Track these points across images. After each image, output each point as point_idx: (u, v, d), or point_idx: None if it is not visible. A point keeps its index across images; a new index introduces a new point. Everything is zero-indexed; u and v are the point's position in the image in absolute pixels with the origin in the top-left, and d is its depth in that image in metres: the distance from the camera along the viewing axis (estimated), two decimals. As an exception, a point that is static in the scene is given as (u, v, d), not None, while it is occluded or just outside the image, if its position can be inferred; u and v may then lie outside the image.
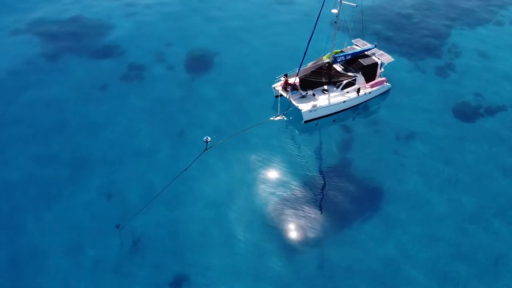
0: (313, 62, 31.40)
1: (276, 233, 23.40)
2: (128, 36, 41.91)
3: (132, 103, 32.84)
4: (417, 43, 39.98)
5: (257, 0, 49.60)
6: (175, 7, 47.10)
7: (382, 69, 32.87)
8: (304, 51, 27.03)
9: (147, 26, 43.97)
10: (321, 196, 25.53)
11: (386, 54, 32.89)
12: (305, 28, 37.80)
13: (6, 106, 32.33)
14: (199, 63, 37.84)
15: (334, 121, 30.22)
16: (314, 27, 26.94)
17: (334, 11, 27.54)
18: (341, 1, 27.10)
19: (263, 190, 25.56)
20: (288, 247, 22.87)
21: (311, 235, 23.43)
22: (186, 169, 24.12)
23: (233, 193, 25.42)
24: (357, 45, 33.60)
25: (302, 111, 28.25)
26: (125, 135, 29.74)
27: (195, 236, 23.28)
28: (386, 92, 33.54)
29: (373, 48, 32.43)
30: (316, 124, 29.66)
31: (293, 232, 23.54)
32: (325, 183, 26.39)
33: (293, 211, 24.43)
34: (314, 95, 29.67)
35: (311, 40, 26.90)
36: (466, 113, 31.77)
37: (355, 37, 35.66)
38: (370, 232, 23.63)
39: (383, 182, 26.34)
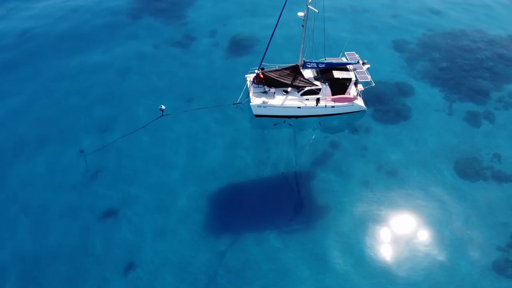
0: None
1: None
2: (201, 12, 47.01)
3: (167, 63, 38.54)
4: (467, 82, 35.28)
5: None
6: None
7: (362, 87, 31.06)
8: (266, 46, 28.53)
9: (222, 6, 48.26)
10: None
11: (366, 73, 30.91)
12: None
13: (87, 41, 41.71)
14: (241, 46, 40.67)
15: (290, 125, 30.55)
16: (276, 25, 27.80)
17: (300, 14, 27.25)
18: (307, 6, 26.81)
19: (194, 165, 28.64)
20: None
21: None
22: (143, 127, 28.34)
23: (179, 154, 29.03)
24: (346, 58, 32.15)
25: (250, 103, 29.09)
26: (143, 91, 35.18)
27: (142, 180, 27.67)
28: (361, 112, 31.80)
29: (356, 63, 30.82)
30: (279, 123, 30.49)
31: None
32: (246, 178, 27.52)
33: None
34: (274, 93, 29.96)
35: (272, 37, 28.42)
36: (467, 171, 28.01)
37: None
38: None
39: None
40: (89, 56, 39.43)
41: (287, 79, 29.45)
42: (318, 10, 26.44)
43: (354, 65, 31.17)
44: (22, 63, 38.62)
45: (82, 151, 28.50)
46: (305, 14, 26.92)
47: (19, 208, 26.22)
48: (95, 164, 28.53)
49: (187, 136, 30.29)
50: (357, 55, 32.21)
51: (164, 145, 29.55)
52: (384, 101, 33.62)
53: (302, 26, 27.62)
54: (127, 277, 23.03)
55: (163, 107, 27.22)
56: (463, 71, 36.46)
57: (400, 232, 24.83)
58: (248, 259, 23.62)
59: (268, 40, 28.71)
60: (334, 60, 31.00)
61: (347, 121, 31.77)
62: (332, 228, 25.02)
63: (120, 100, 33.94)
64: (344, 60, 31.56)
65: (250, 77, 31.42)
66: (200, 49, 40.78)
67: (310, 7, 26.49)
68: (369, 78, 30.61)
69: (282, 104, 29.28)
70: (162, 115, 27.43)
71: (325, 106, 29.77)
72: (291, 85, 29.46)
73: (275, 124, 30.57)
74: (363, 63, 31.94)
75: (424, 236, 24.65)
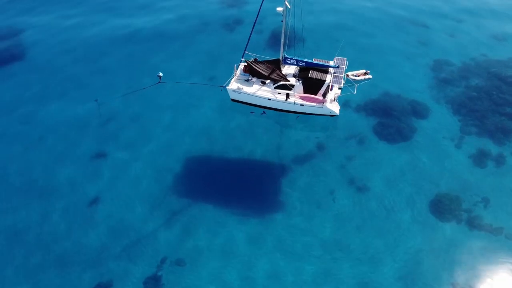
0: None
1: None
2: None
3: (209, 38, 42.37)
4: (493, 117, 31.48)
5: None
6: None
7: (339, 93, 30.28)
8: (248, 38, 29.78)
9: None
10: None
11: (342, 80, 29.92)
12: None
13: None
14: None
15: (264, 113, 31.45)
16: (255, 20, 28.98)
17: (279, 9, 27.14)
18: (285, 1, 26.81)
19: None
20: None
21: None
22: (145, 88, 32.01)
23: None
24: (334, 62, 31.41)
25: (227, 87, 30.28)
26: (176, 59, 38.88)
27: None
28: (334, 116, 30.82)
29: (336, 67, 30.10)
30: (256, 112, 31.52)
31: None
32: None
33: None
34: (254, 82, 30.74)
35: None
36: (443, 211, 25.68)
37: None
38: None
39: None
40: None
41: (266, 71, 30.26)
42: (290, 6, 26.63)
43: (335, 69, 30.64)
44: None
45: (96, 100, 32.89)
46: (284, 9, 27.07)
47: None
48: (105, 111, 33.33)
49: (170, 103, 33.21)
50: (346, 61, 31.36)
51: (151, 107, 33.20)
52: (391, 116, 32.05)
53: (282, 21, 27.76)
54: (89, 208, 26.91)
55: (161, 74, 30.21)
56: (494, 104, 32.54)
57: (343, 240, 24.57)
58: (190, 222, 25.75)
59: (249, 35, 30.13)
60: (315, 61, 30.54)
61: (340, 124, 31.41)
62: (279, 222, 25.63)
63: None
64: (331, 63, 30.90)
65: (241, 65, 32.59)
66: (242, 35, 42.77)
67: (286, 2, 26.61)
68: (342, 82, 29.92)
69: (255, 93, 30.28)
70: (160, 82, 30.40)
71: (294, 103, 29.88)
72: (268, 77, 30.21)
73: (252, 112, 31.61)
74: (365, 73, 30.76)
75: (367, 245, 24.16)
